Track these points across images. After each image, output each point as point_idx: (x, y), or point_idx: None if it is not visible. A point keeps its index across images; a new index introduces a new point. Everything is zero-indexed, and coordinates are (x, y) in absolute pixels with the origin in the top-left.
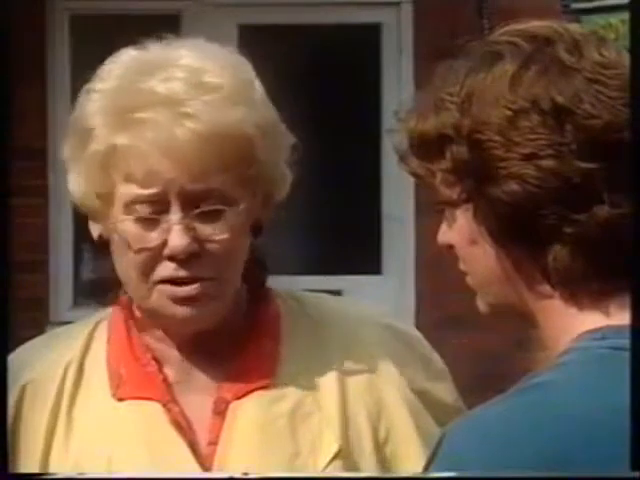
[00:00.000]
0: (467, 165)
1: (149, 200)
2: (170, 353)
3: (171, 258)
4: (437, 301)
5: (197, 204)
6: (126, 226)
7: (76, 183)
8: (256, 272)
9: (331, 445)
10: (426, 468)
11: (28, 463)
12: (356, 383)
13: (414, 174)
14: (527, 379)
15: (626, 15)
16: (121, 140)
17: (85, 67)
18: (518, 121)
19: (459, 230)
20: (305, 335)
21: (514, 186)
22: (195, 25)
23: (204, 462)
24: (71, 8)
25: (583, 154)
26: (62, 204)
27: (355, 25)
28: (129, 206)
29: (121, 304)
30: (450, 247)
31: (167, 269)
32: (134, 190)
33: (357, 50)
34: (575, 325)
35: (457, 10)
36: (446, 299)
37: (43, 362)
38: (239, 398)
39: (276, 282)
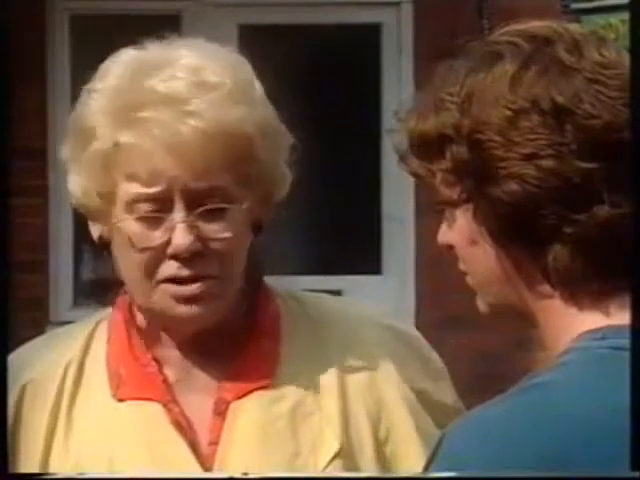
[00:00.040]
0: (467, 165)
1: (152, 198)
2: (170, 353)
3: (174, 257)
4: (437, 301)
5: (200, 202)
6: (129, 225)
7: (77, 183)
8: (255, 272)
9: (332, 444)
10: (426, 468)
11: (28, 463)
12: (356, 383)
13: (414, 174)
14: (527, 379)
15: (626, 15)
16: (124, 138)
17: (85, 67)
18: (518, 121)
19: (459, 230)
20: (305, 335)
21: (514, 186)
22: (195, 25)
23: (205, 462)
24: (71, 8)
25: (583, 154)
26: (62, 204)
27: (355, 25)
28: (131, 205)
29: (121, 304)
30: (450, 247)
31: (170, 268)
32: (137, 189)
33: (357, 50)
34: (575, 325)
35: (457, 10)
36: (446, 299)
37: (43, 362)
38: (239, 398)
39: (276, 282)
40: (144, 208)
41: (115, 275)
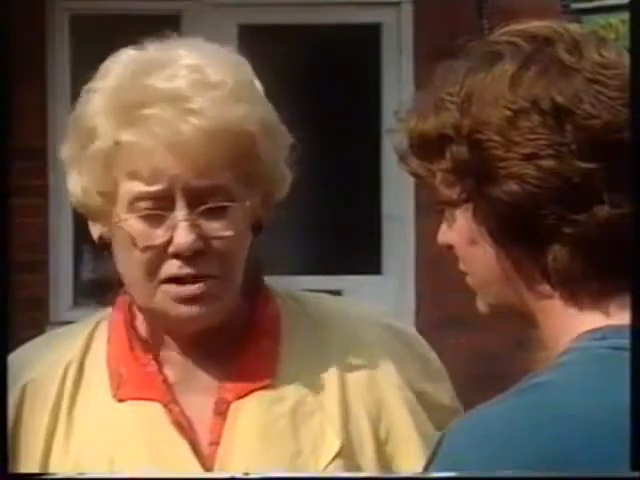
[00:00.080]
0: (467, 165)
1: (154, 197)
2: (170, 353)
3: (176, 255)
4: (437, 301)
5: (202, 201)
6: (131, 224)
7: (77, 183)
8: (255, 272)
9: (333, 444)
10: (426, 468)
11: (28, 463)
12: (356, 383)
13: (414, 174)
14: (527, 379)
15: (626, 15)
16: (125, 137)
17: (85, 67)
18: (518, 121)
19: (459, 230)
20: (305, 335)
21: (514, 186)
22: (195, 25)
23: (205, 462)
24: (71, 8)
25: (583, 154)
26: (62, 204)
27: (355, 25)
28: (133, 204)
29: (121, 304)
30: (450, 247)
31: (172, 267)
32: (138, 187)
33: (357, 50)
34: (575, 325)
35: (457, 10)
36: (446, 299)
37: (43, 362)
38: (240, 398)
39: (276, 282)
40: (145, 207)
41: (115, 275)
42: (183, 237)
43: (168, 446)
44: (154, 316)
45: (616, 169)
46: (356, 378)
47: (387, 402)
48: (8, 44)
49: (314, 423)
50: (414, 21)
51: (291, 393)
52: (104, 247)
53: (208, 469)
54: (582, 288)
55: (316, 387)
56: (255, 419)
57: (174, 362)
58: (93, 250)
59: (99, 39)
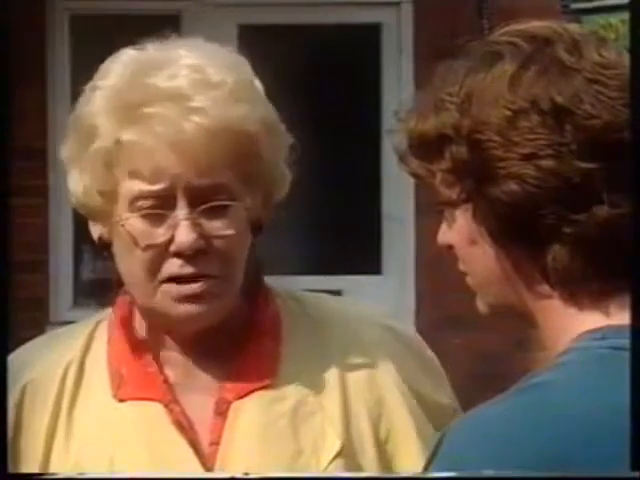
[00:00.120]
0: (467, 165)
1: (155, 196)
2: (171, 353)
3: (177, 254)
4: (437, 301)
5: (203, 200)
6: (132, 223)
7: (77, 182)
8: (255, 272)
9: (334, 443)
10: (426, 468)
11: (28, 463)
12: (356, 382)
13: (414, 174)
14: (527, 379)
15: (626, 15)
16: (126, 136)
17: (85, 67)
18: (517, 121)
19: (459, 230)
20: (305, 335)
21: (513, 186)
22: (195, 25)
23: (206, 462)
24: (71, 8)
25: (583, 154)
26: (62, 204)
27: (355, 25)
28: (134, 203)
29: (121, 304)
30: (450, 247)
31: (173, 266)
32: (139, 186)
33: (357, 50)
34: (575, 325)
35: (457, 10)
36: (446, 299)
37: (43, 362)
38: (240, 398)
39: (276, 282)
40: (146, 205)
41: (115, 275)
42: (184, 236)
43: (168, 446)
44: (154, 316)
45: (616, 169)
46: (356, 378)
47: (387, 402)
48: (8, 44)
49: (314, 423)
50: (414, 21)
51: (291, 393)
52: (104, 247)
53: (208, 469)
54: (582, 288)
55: (316, 387)
56: (255, 419)
57: (174, 362)
58: (93, 250)
59: (99, 39)
